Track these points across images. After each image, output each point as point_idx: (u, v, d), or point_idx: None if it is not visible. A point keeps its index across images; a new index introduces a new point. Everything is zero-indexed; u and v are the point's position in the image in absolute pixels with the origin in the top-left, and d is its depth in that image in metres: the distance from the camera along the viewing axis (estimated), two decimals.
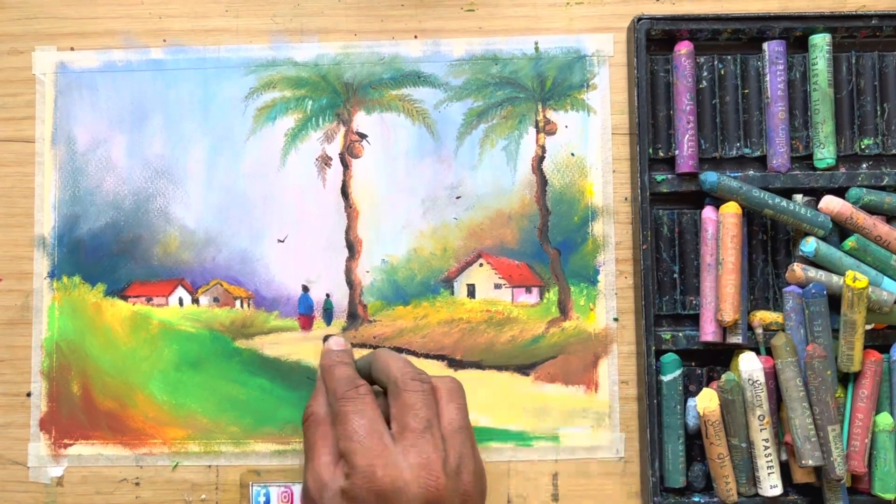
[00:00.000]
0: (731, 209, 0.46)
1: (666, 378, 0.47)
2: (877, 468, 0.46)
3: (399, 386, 0.42)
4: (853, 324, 0.45)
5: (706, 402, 0.45)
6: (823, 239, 0.46)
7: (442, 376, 0.44)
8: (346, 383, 0.42)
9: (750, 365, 0.45)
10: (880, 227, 0.46)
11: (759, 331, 0.47)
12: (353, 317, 0.49)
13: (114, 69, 0.50)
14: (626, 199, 0.49)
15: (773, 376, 0.46)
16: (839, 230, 0.47)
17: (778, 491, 0.46)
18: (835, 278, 0.46)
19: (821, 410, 0.44)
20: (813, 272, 0.46)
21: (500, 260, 0.49)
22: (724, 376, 0.45)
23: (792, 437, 0.45)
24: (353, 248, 0.50)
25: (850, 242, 0.46)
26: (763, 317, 0.47)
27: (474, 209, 0.49)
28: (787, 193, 0.48)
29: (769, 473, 0.46)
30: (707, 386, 0.47)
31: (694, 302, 0.48)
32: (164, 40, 0.50)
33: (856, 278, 0.44)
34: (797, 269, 0.46)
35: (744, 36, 0.48)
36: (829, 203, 0.46)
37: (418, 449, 0.40)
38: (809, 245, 0.46)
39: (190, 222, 0.50)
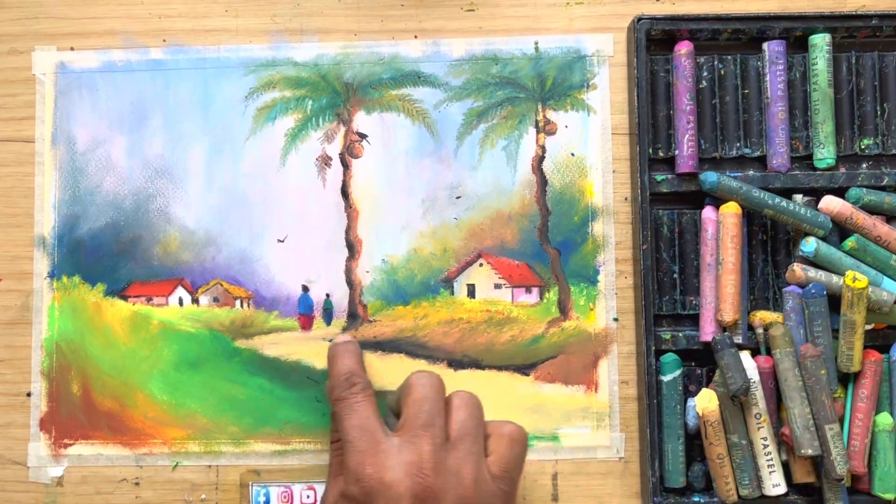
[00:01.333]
0: (731, 209, 0.46)
1: (666, 378, 0.47)
2: (877, 468, 0.46)
3: (410, 382, 0.41)
4: (853, 324, 0.45)
5: (705, 402, 0.45)
6: (823, 239, 0.46)
7: (458, 391, 0.42)
8: (342, 382, 0.42)
9: (745, 363, 0.45)
10: (880, 226, 0.46)
11: (760, 331, 0.47)
12: (353, 317, 0.49)
13: (114, 69, 0.50)
14: (626, 199, 0.49)
15: (771, 376, 0.46)
16: (839, 230, 0.47)
17: (781, 490, 0.46)
18: (834, 278, 0.46)
19: (817, 409, 0.44)
20: (813, 272, 0.46)
21: (500, 260, 0.49)
22: (717, 371, 0.45)
23: (790, 428, 0.45)
24: (353, 248, 0.50)
25: (849, 242, 0.46)
26: (763, 317, 0.47)
27: (474, 209, 0.49)
28: (787, 193, 0.48)
29: (771, 472, 0.46)
30: (707, 386, 0.47)
31: (694, 302, 0.48)
32: (164, 40, 0.50)
33: (855, 278, 0.44)
34: (797, 269, 0.46)
35: (744, 36, 0.48)
36: (829, 203, 0.46)
37: (415, 445, 0.38)
38: (809, 245, 0.46)
39: (190, 222, 0.50)
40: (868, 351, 0.46)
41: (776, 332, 0.45)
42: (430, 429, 0.39)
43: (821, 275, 0.46)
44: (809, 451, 0.44)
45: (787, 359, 0.45)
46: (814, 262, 0.46)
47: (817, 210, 0.46)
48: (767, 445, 0.45)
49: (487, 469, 0.40)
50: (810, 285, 0.45)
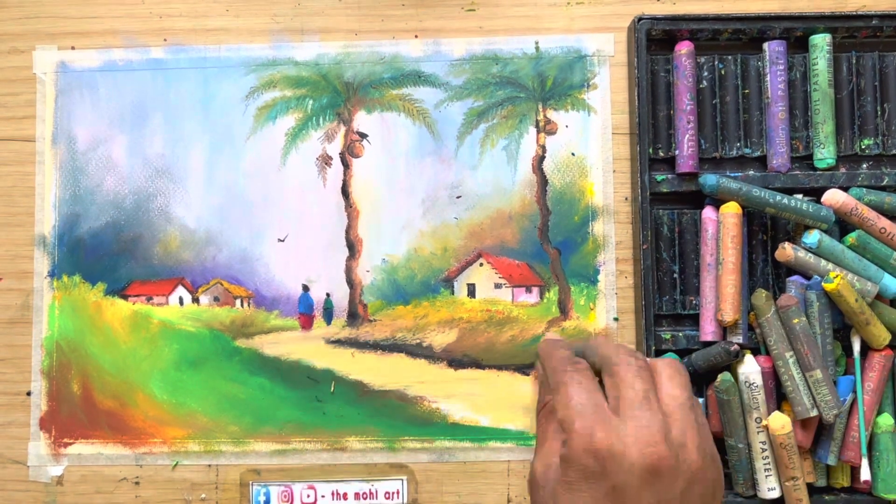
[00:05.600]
0: (732, 209, 0.46)
1: None
2: (879, 469, 0.46)
3: (613, 361, 0.40)
4: (853, 313, 0.45)
5: (778, 424, 0.45)
6: (826, 233, 0.46)
7: (661, 358, 0.42)
8: (564, 361, 0.42)
9: (748, 368, 0.45)
10: (883, 219, 0.46)
11: (759, 330, 0.47)
12: (354, 316, 0.49)
13: (114, 68, 0.50)
14: (626, 198, 0.49)
15: (771, 376, 0.46)
16: (839, 229, 0.47)
17: (776, 494, 0.45)
18: (823, 262, 0.45)
19: (797, 360, 0.44)
20: (803, 253, 0.45)
21: (500, 259, 0.49)
22: (719, 376, 0.45)
23: (789, 398, 0.45)
24: (353, 247, 0.50)
25: (850, 238, 0.46)
26: None
27: (475, 209, 0.49)
28: (787, 193, 0.47)
29: (767, 476, 0.45)
30: (707, 387, 0.47)
31: (694, 302, 0.48)
32: (165, 40, 0.50)
33: (826, 280, 0.44)
34: (787, 247, 0.45)
35: (744, 36, 0.48)
36: (834, 195, 0.46)
37: (636, 420, 0.38)
38: (812, 237, 0.45)
39: (190, 221, 0.50)
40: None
41: (758, 301, 0.45)
42: (647, 402, 0.39)
43: (810, 256, 0.45)
44: (812, 413, 0.44)
45: (773, 323, 0.45)
46: (816, 254, 0.46)
47: (820, 204, 0.46)
48: (766, 449, 0.45)
49: (705, 437, 0.40)
50: (815, 277, 0.45)
